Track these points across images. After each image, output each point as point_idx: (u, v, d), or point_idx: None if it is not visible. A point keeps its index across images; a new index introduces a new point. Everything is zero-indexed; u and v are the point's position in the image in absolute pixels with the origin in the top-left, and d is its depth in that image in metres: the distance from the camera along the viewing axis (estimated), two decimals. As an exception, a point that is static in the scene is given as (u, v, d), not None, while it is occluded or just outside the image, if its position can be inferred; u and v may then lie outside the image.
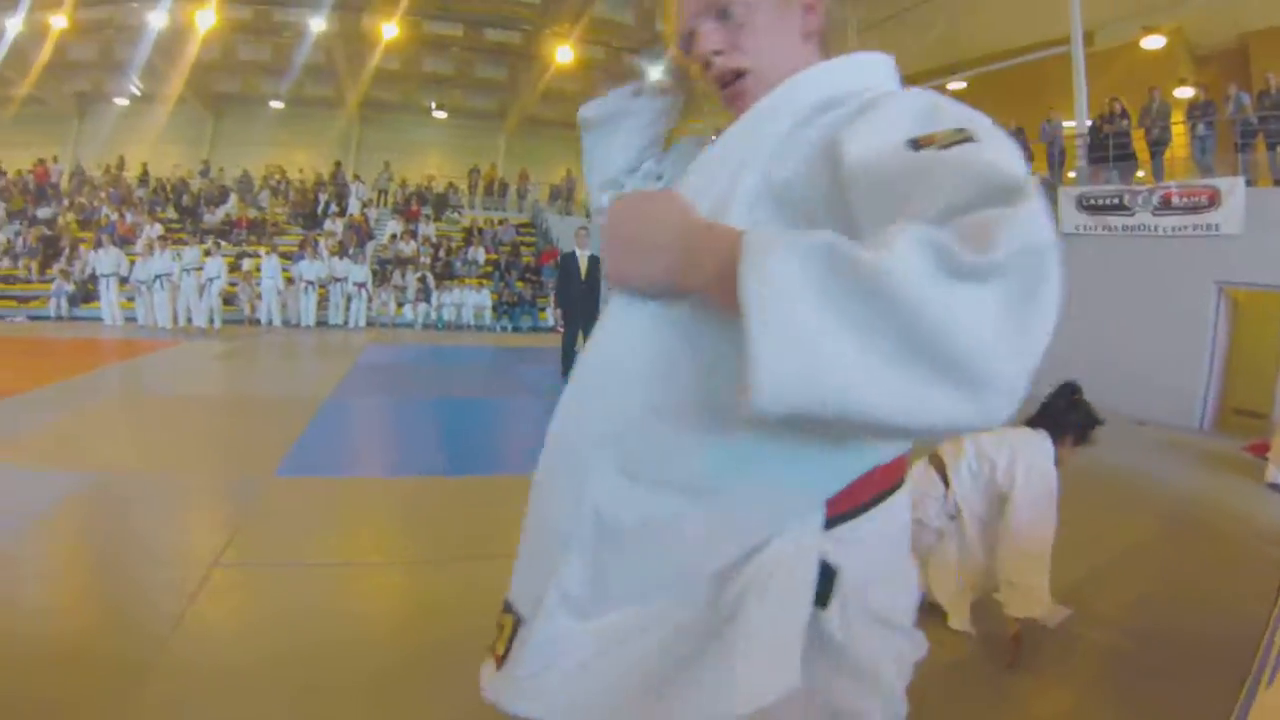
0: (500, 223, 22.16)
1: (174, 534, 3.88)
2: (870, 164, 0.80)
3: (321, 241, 17.77)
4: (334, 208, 20.82)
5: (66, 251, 17.45)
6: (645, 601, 0.93)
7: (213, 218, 20.47)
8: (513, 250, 20.93)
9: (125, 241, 16.98)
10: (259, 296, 16.07)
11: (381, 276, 17.91)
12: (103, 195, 20.85)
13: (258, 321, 15.90)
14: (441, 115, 25.06)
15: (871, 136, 0.82)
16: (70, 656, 2.55)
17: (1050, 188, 11.44)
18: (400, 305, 17.52)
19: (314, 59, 21.21)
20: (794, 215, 0.89)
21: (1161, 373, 9.25)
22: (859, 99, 0.92)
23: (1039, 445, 2.91)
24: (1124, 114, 10.99)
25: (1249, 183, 9.10)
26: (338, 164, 23.36)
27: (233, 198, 21.44)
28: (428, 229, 20.75)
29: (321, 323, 16.28)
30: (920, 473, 3.04)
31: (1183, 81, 12.37)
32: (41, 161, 21.88)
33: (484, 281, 19.07)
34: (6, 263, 17.19)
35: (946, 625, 3.00)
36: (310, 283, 16.19)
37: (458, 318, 17.44)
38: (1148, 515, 4.84)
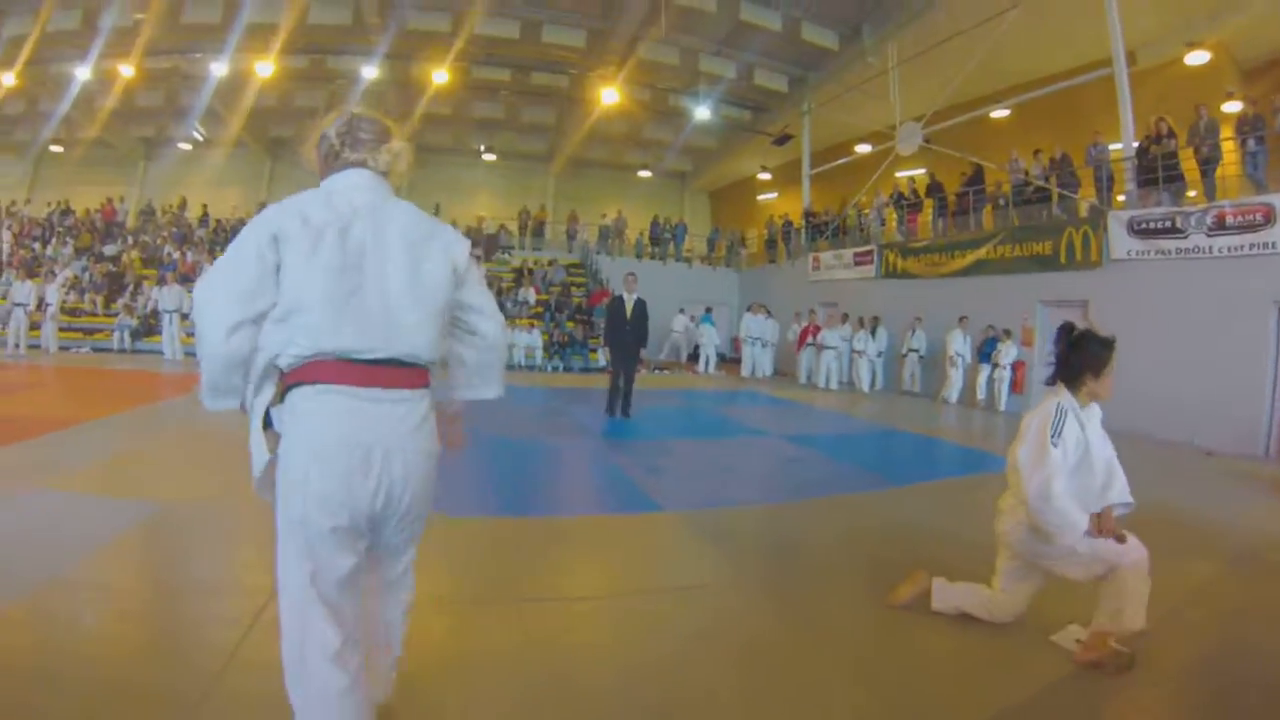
0: (550, 263, 22.45)
1: (231, 565, 3.90)
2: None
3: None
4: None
5: (130, 287, 18.25)
6: None
7: (269, 257, 21.11)
8: (563, 291, 21.14)
9: (186, 279, 17.66)
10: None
11: (432, 316, 18.16)
12: (165, 234, 21.78)
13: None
14: (491, 157, 25.68)
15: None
16: (121, 686, 2.56)
17: (1099, 214, 11.26)
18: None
19: (366, 105, 21.82)
20: None
21: (1223, 400, 8.98)
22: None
23: (1042, 409, 3.02)
24: (1171, 133, 10.75)
25: (1305, 198, 8.85)
26: (390, 205, 23.95)
27: (288, 238, 22.09)
28: (479, 270, 21.03)
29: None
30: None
31: (1230, 96, 12.13)
32: (109, 201, 23.04)
33: (535, 322, 19.26)
34: (73, 296, 17.99)
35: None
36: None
37: (509, 357, 17.55)
38: (1215, 557, 4.55)
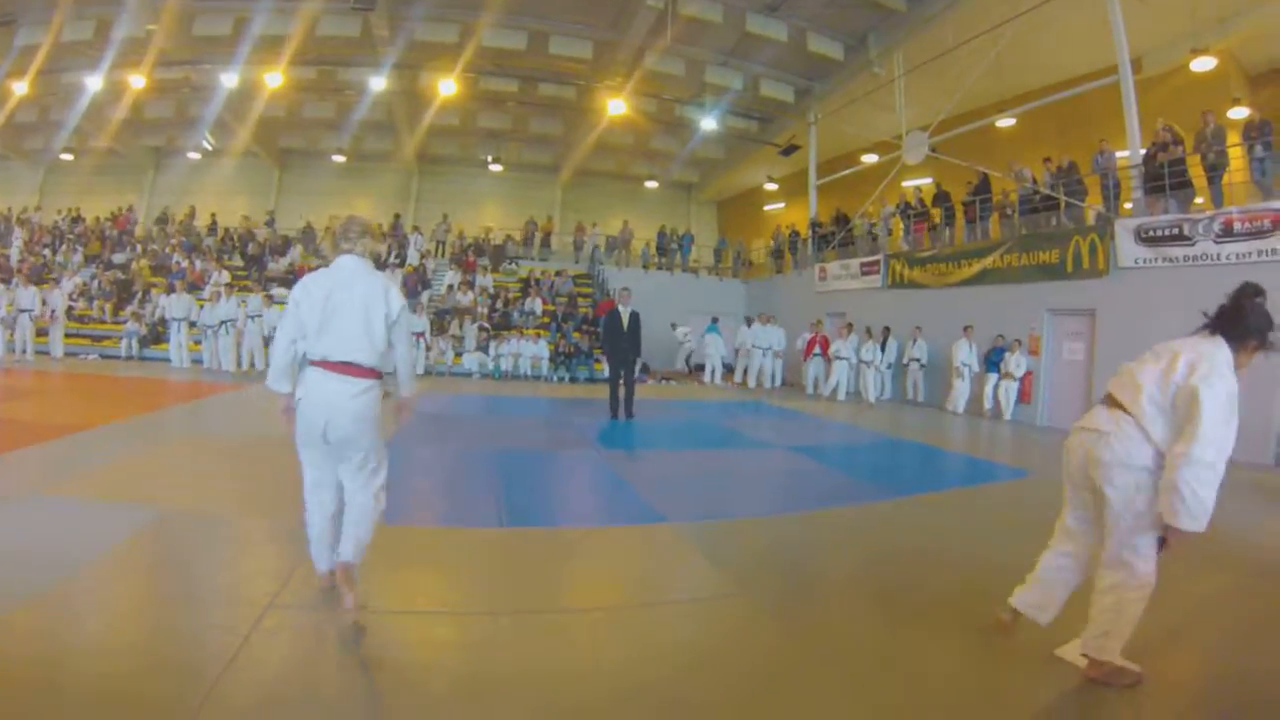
0: (557, 274, 22.49)
1: (231, 573, 3.91)
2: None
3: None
4: (394, 258, 21.42)
5: (139, 295, 18.36)
6: None
7: (277, 266, 21.31)
8: (570, 301, 21.14)
9: (194, 288, 17.78)
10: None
11: (439, 326, 18.24)
12: (174, 243, 21.93)
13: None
14: (498, 168, 25.69)
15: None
16: (120, 692, 2.57)
17: (1106, 222, 11.21)
18: (458, 355, 17.80)
19: (374, 115, 22.10)
20: None
21: (1233, 408, 8.83)
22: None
23: (1216, 351, 2.79)
24: (1177, 140, 10.70)
25: (1315, 204, 8.79)
26: (397, 216, 24.19)
27: (297, 248, 22.31)
28: (485, 280, 21.17)
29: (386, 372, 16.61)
30: (1104, 416, 2.92)
31: (1236, 102, 12.09)
32: (129, 210, 23.30)
33: (541, 332, 19.27)
34: (82, 303, 18.11)
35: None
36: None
37: (515, 368, 17.53)
38: (1228, 569, 4.46)
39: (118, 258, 20.93)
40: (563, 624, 3.54)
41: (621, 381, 10.61)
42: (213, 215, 23.70)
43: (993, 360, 12.84)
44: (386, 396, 3.53)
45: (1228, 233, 9.33)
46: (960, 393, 13.35)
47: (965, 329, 13.31)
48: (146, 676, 2.73)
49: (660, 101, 20.85)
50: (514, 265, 23.11)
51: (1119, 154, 11.84)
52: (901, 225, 17.02)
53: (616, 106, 19.55)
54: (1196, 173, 10.55)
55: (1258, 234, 9.01)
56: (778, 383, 17.23)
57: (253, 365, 14.82)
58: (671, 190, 28.40)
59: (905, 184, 17.76)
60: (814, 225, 20.22)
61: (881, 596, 3.91)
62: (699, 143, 23.11)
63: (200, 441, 7.59)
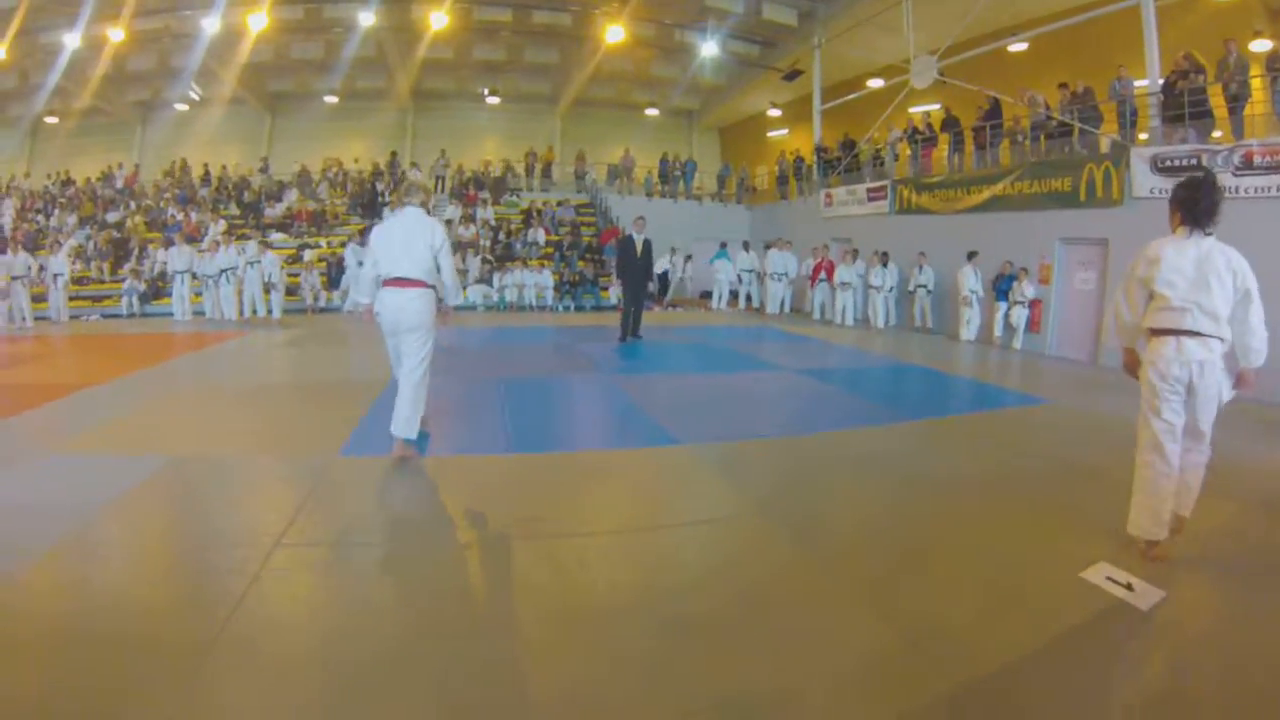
0: (559, 204, 22.29)
1: (240, 515, 4.02)
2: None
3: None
4: (391, 196, 21.16)
5: (136, 252, 18.23)
6: None
7: (274, 212, 21.11)
8: (573, 230, 21.04)
9: (191, 239, 17.55)
10: (326, 286, 16.83)
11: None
12: (168, 196, 21.62)
13: (320, 310, 16.52)
14: (495, 101, 25.08)
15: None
16: (133, 635, 2.66)
17: (1122, 150, 11.04)
18: (464, 288, 17.78)
19: (365, 53, 21.48)
20: None
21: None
22: None
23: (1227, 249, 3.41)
24: (1198, 69, 10.41)
25: (1337, 137, 8.65)
26: (394, 153, 23.79)
27: (293, 192, 22.02)
28: (486, 213, 20.99)
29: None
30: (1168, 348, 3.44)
31: (1258, 34, 11.73)
32: (112, 167, 22.84)
33: (545, 262, 19.23)
34: (79, 265, 17.89)
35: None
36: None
37: (519, 299, 17.59)
38: (1242, 499, 4.56)
39: (111, 216, 20.65)
40: (580, 547, 3.63)
41: (632, 304, 11.29)
42: (205, 166, 23.27)
43: (1001, 288, 12.84)
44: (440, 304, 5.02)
45: (1247, 165, 9.20)
46: (970, 320, 13.39)
47: (970, 256, 13.26)
48: (158, 616, 2.86)
49: (659, 26, 20.26)
50: (515, 197, 22.88)
51: (1137, 82, 11.53)
52: (909, 151, 16.74)
53: (615, 33, 18.98)
54: (1217, 103, 10.30)
55: (1278, 168, 8.90)
56: (786, 309, 17.29)
57: (254, 312, 14.84)
58: (673, 118, 27.78)
59: (913, 109, 17.35)
60: (819, 150, 19.87)
61: (894, 513, 4.10)
62: (699, 69, 22.51)
63: (207, 390, 7.64)
